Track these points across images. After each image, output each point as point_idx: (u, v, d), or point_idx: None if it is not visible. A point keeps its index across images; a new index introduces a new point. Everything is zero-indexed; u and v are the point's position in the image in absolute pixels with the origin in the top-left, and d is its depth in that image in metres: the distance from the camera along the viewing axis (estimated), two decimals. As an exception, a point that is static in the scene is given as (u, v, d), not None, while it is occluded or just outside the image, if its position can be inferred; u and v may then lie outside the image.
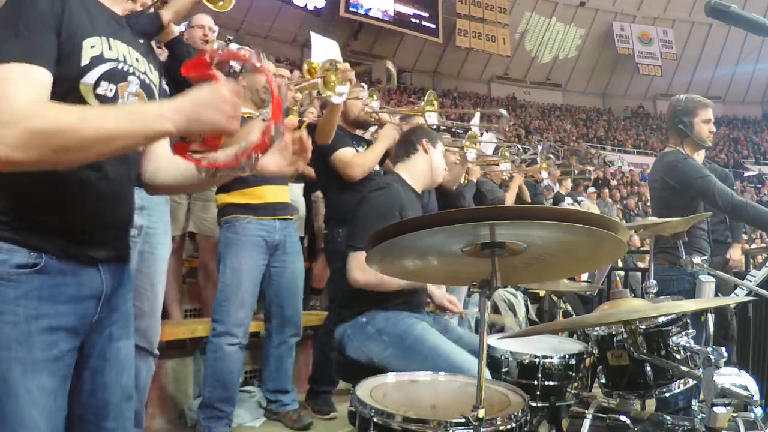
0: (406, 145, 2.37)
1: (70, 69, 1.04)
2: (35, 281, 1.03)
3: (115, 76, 1.11)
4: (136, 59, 1.19)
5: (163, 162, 1.26)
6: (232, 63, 1.05)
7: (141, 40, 1.25)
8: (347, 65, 2.65)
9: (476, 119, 4.73)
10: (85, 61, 1.06)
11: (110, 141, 0.95)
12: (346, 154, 2.95)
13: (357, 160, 2.95)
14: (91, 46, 1.07)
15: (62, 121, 0.93)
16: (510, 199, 4.80)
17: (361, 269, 2.03)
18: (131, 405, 1.27)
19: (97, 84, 1.07)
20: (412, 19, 23.08)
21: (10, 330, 1.00)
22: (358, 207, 2.20)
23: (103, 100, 1.09)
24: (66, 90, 1.03)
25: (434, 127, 3.20)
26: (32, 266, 1.03)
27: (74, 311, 1.09)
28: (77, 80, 1.05)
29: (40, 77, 0.98)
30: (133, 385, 1.28)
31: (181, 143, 1.08)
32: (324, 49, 3.00)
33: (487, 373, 1.84)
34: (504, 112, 4.07)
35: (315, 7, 21.12)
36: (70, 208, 1.08)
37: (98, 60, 1.08)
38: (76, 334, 1.11)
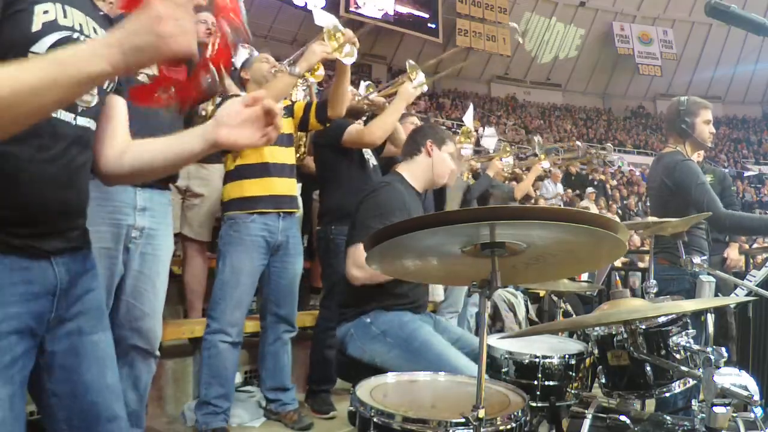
0: (410, 145, 2.34)
1: (19, 35, 0.95)
2: None
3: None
4: (94, 29, 1.09)
5: (130, 145, 1.18)
6: None
7: (101, 12, 1.16)
8: (349, 30, 2.66)
9: (469, 113, 4.74)
10: (36, 27, 0.96)
11: (37, 95, 0.80)
12: (356, 126, 2.96)
13: (373, 125, 2.92)
14: (44, 12, 0.98)
15: None
16: (525, 186, 4.87)
17: (358, 265, 2.03)
18: (122, 404, 1.18)
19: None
20: (412, 19, 23.06)
21: None
22: (359, 205, 2.19)
23: None
24: (15, 58, 0.89)
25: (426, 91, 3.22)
26: None
27: (27, 311, 1.01)
28: (27, 47, 0.96)
29: None
30: (118, 383, 1.19)
31: (139, 88, 0.96)
32: (325, 19, 3.01)
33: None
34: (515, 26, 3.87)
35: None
36: (10, 196, 0.98)
37: (51, 27, 0.99)
38: (32, 336, 1.03)
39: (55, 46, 0.98)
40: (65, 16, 1.02)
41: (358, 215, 2.16)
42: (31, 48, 0.97)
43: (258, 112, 1.08)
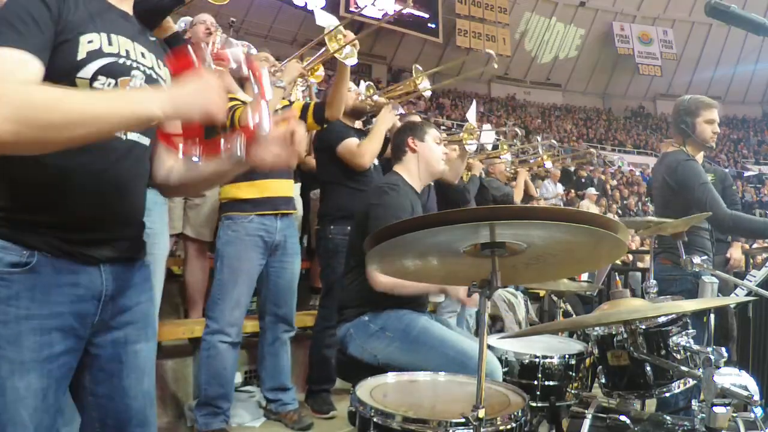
0: (395, 150, 2.37)
1: (66, 63, 1.05)
2: (28, 281, 1.03)
3: (115, 71, 1.10)
4: (142, 54, 1.17)
5: (175, 163, 1.28)
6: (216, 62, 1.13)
7: (152, 38, 1.25)
8: (350, 32, 2.67)
9: (472, 110, 4.73)
10: (81, 55, 1.06)
11: (96, 121, 0.94)
12: (352, 143, 2.97)
13: (363, 149, 2.96)
14: (88, 41, 1.07)
15: (48, 96, 0.92)
16: (518, 195, 4.83)
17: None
18: (154, 411, 1.25)
19: (94, 78, 1.07)
20: (412, 19, 23.04)
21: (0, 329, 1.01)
22: (375, 208, 2.14)
23: None
24: (62, 84, 1.03)
25: (428, 95, 3.27)
26: (24, 265, 1.03)
27: (70, 311, 1.08)
28: (73, 74, 1.06)
29: (29, 62, 0.99)
30: (153, 391, 1.26)
31: (165, 131, 1.12)
32: (326, 20, 3.00)
33: (498, 373, 1.83)
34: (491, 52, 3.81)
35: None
36: (65, 205, 1.07)
37: (95, 54, 1.08)
38: (75, 336, 1.09)
39: (100, 71, 1.08)
40: (110, 44, 1.11)
41: (377, 220, 2.08)
42: (78, 74, 1.06)
43: (285, 133, 1.15)
